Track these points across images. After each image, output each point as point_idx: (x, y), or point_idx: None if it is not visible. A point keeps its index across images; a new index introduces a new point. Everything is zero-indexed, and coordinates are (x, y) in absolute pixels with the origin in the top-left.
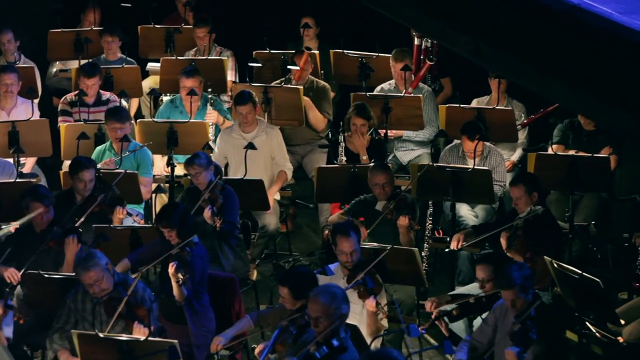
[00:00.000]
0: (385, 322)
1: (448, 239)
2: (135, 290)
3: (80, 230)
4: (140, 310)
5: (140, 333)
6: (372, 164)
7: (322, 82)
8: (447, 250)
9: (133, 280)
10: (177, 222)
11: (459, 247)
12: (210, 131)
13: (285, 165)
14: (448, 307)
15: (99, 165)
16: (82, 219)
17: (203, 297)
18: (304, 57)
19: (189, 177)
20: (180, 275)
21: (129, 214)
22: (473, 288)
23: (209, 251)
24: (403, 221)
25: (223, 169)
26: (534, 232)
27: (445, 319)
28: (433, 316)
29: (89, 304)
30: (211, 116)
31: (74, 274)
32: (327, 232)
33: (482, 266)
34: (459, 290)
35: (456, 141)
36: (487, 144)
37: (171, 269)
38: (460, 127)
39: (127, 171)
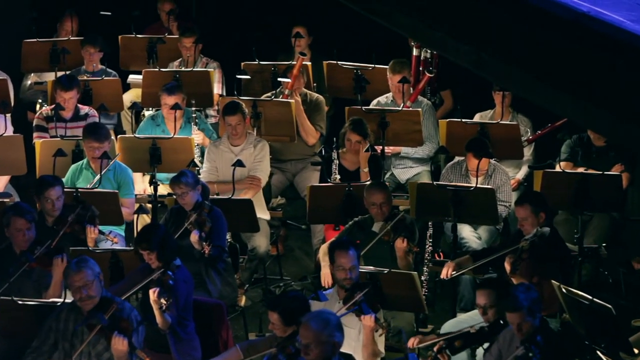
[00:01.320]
0: (382, 347)
1: (449, 261)
2: (121, 308)
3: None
4: (123, 323)
5: (119, 344)
6: (368, 182)
7: (316, 95)
8: (436, 279)
9: (120, 299)
10: (157, 244)
11: (448, 276)
12: (196, 152)
13: (258, 172)
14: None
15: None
16: (54, 242)
17: (188, 324)
18: (298, 62)
19: (173, 196)
20: (163, 301)
21: (102, 233)
22: (476, 315)
23: (194, 276)
24: (401, 243)
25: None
26: (540, 255)
27: (447, 351)
28: (435, 349)
29: (72, 323)
30: (197, 137)
31: (60, 299)
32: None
33: (484, 292)
34: (461, 316)
35: (458, 158)
36: (492, 161)
37: (153, 295)
38: (461, 143)
39: (105, 190)
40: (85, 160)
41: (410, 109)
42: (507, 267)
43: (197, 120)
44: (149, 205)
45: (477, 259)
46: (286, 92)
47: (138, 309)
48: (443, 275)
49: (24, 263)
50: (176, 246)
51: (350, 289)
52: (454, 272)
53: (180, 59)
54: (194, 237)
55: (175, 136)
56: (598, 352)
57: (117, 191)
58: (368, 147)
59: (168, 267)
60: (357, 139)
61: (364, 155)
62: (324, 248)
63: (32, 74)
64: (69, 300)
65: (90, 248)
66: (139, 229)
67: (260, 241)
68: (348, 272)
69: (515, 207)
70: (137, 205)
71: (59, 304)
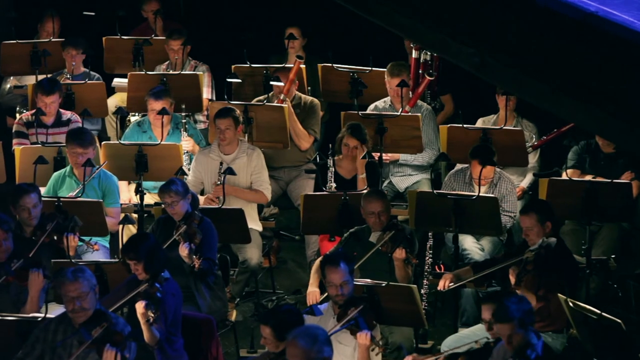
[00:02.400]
0: None
1: (446, 273)
2: (115, 322)
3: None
4: (117, 336)
5: (110, 358)
6: (365, 191)
7: (311, 98)
8: (433, 290)
9: (114, 314)
10: (145, 254)
11: (445, 288)
12: (184, 159)
13: (263, 186)
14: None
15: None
16: (32, 252)
17: (176, 340)
18: (295, 66)
19: (160, 206)
20: (150, 314)
21: (82, 241)
22: (478, 330)
23: (183, 290)
24: (400, 254)
25: (198, 195)
26: (546, 266)
27: None
28: None
29: (61, 335)
30: (187, 144)
31: (40, 314)
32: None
33: (489, 306)
34: (462, 332)
35: (460, 165)
36: (498, 169)
37: (140, 308)
38: (463, 149)
39: (88, 199)
40: (68, 168)
41: (409, 114)
42: (512, 278)
43: (186, 126)
44: (135, 215)
45: (478, 271)
46: (281, 97)
47: None
48: (440, 287)
49: (1, 276)
50: (165, 257)
51: (343, 305)
52: (452, 284)
53: (168, 61)
54: (183, 250)
55: (162, 143)
56: None
57: (101, 200)
58: (365, 154)
59: (156, 279)
60: (355, 143)
61: (361, 161)
62: (317, 264)
63: (12, 78)
64: (50, 315)
65: (73, 260)
66: (124, 240)
67: (252, 253)
68: (339, 289)
69: (521, 216)
70: (122, 215)
71: (39, 319)
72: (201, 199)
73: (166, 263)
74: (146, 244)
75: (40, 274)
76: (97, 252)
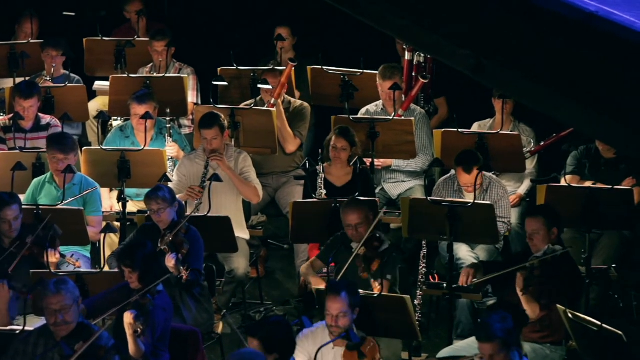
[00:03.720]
0: None
1: (444, 284)
2: (100, 337)
3: (10, 273)
4: (100, 351)
5: None
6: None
7: (301, 102)
8: (454, 287)
9: (98, 328)
10: (141, 263)
11: (469, 283)
12: (169, 165)
13: (256, 182)
14: None
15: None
16: (12, 267)
17: (163, 354)
18: (287, 69)
19: (144, 214)
20: (138, 326)
21: (63, 256)
22: (474, 342)
23: None
24: (376, 287)
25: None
26: (551, 275)
27: None
28: None
29: (42, 347)
30: (172, 150)
31: (18, 327)
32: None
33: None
34: (458, 344)
35: (453, 172)
36: (487, 174)
37: (128, 318)
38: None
39: (69, 207)
40: (48, 174)
41: (402, 118)
42: (519, 284)
43: (170, 131)
44: (117, 224)
45: (488, 271)
46: (272, 101)
47: (109, 332)
48: (462, 281)
49: None
50: (160, 269)
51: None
52: (475, 280)
53: (151, 64)
54: (170, 261)
55: (145, 148)
56: None
57: (82, 208)
58: (356, 160)
59: (148, 291)
60: (343, 144)
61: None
62: (304, 267)
63: None
64: (29, 327)
65: (52, 271)
66: (106, 250)
67: (239, 262)
68: (335, 319)
69: (527, 219)
70: (104, 224)
71: (17, 332)
72: (180, 196)
73: (160, 275)
74: (143, 252)
75: (5, 285)
76: (79, 261)
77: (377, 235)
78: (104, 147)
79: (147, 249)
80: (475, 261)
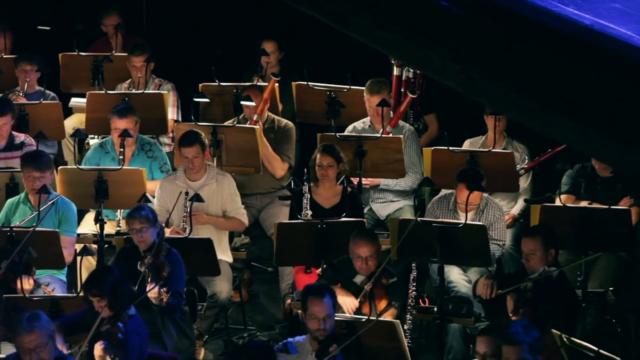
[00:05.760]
0: None
1: (435, 308)
2: None
3: None
4: None
5: None
6: (343, 219)
7: (285, 121)
8: (477, 300)
9: (72, 358)
10: (109, 290)
11: (490, 296)
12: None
13: (239, 212)
14: None
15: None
16: None
17: None
18: (270, 84)
19: (122, 236)
20: (108, 358)
21: (38, 285)
22: None
23: (149, 326)
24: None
25: (164, 225)
26: (545, 298)
27: None
28: None
29: None
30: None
31: None
32: (289, 301)
33: (485, 339)
34: None
35: (445, 191)
36: (485, 195)
37: (98, 351)
38: (448, 173)
39: (44, 229)
40: (23, 194)
41: (391, 135)
42: (509, 306)
43: (151, 147)
44: (95, 246)
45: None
46: (255, 117)
47: None
48: (485, 294)
49: None
50: (131, 293)
51: (323, 341)
52: (500, 291)
53: (130, 79)
54: (153, 292)
55: (124, 167)
56: None
57: (57, 230)
58: (343, 180)
59: (119, 318)
60: (329, 161)
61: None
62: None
63: None
64: (1, 355)
65: (26, 295)
66: (83, 273)
67: (222, 286)
68: (322, 322)
69: (524, 239)
70: (80, 247)
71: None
72: (167, 230)
73: (132, 299)
74: (110, 279)
75: None
76: (54, 285)
77: (389, 270)
78: (80, 167)
79: (113, 275)
80: (468, 284)
